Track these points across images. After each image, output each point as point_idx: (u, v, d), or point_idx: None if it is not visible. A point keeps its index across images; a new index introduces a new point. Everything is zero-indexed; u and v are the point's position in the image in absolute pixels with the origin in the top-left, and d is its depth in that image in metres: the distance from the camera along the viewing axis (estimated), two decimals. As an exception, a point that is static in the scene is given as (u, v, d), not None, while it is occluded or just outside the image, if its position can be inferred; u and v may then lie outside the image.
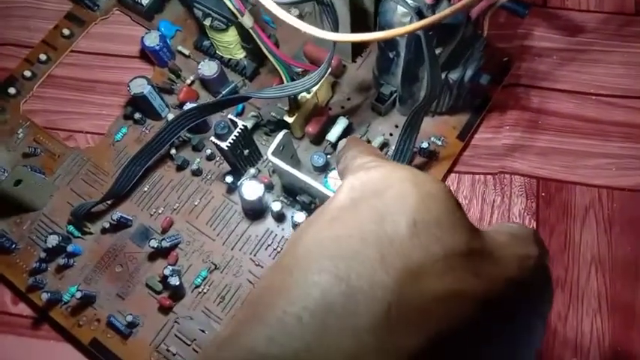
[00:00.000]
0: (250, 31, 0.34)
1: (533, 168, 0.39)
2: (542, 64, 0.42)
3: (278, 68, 0.35)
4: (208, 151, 0.38)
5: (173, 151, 0.39)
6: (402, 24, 0.30)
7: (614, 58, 0.42)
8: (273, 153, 0.32)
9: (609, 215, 0.37)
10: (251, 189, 0.34)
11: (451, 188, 0.38)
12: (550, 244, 0.37)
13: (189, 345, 0.34)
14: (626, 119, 0.40)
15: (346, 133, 0.38)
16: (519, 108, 0.41)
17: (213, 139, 0.34)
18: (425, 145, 0.36)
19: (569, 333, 0.35)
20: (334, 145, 0.37)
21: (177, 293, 0.35)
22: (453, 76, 0.33)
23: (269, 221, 0.37)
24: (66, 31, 0.44)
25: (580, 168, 0.39)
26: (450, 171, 0.39)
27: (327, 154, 0.36)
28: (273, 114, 0.39)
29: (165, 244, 0.35)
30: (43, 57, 0.43)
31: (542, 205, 0.38)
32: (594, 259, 0.36)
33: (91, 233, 0.37)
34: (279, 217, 0.36)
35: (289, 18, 0.26)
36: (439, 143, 0.38)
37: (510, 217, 0.38)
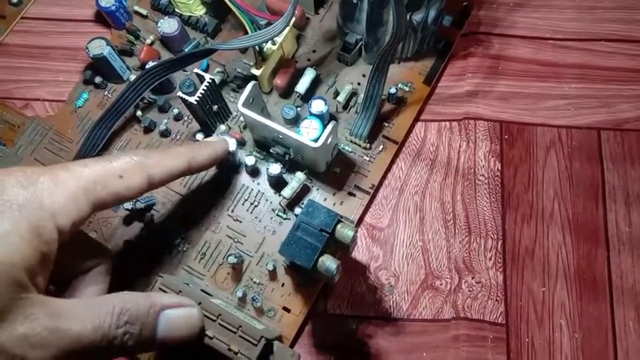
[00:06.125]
0: (211, -18, 0.33)
1: (496, 112, 0.40)
2: (498, 11, 0.43)
3: (242, 19, 0.34)
4: (175, 111, 0.38)
5: (139, 113, 0.38)
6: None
7: (565, 3, 0.43)
8: (244, 104, 0.32)
9: (569, 153, 0.39)
10: (223, 144, 0.34)
11: (419, 136, 0.39)
12: (515, 183, 0.38)
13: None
14: (581, 61, 0.41)
15: (315, 84, 0.38)
16: (479, 55, 0.41)
17: (180, 93, 0.33)
18: (393, 90, 0.37)
19: (536, 266, 0.36)
20: (303, 97, 0.37)
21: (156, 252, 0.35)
22: (417, 17, 0.34)
23: (244, 176, 0.36)
24: (13, -2, 0.43)
25: (540, 110, 0.40)
26: (416, 119, 0.39)
27: (297, 107, 0.36)
28: (239, 70, 0.38)
29: (139, 205, 0.35)
30: (-9, 26, 0.42)
31: (506, 147, 0.39)
32: (557, 195, 0.38)
33: (60, 201, 0.36)
34: (254, 172, 0.36)
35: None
36: (406, 89, 0.39)
37: (476, 160, 0.39)
